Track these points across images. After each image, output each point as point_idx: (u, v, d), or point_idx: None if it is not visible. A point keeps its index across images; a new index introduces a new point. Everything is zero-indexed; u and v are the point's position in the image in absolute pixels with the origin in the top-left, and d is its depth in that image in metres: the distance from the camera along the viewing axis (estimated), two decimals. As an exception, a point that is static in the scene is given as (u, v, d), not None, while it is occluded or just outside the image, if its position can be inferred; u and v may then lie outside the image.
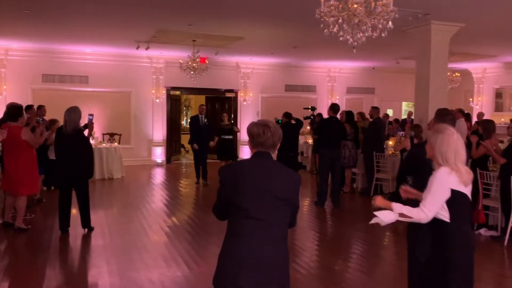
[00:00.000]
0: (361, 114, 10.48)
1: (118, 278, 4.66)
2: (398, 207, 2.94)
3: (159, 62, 13.66)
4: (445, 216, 2.82)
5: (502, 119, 14.32)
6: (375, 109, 9.79)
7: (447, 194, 2.77)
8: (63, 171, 6.14)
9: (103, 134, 12.88)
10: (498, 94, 15.71)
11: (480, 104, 15.79)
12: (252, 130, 2.49)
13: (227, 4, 7.28)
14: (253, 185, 2.40)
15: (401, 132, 10.96)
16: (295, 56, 13.54)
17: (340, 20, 4.25)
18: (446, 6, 7.10)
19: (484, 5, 7.10)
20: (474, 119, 13.04)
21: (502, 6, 7.16)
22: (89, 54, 12.87)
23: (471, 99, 16.18)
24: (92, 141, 11.52)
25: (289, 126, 8.99)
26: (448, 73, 11.97)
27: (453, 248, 2.82)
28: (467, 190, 2.83)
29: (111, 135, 12.71)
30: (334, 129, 8.26)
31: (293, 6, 7.25)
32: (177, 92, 14.42)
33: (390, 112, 16.14)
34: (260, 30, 9.43)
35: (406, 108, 17.24)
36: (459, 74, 13.46)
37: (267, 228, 2.39)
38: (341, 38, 4.50)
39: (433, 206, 2.80)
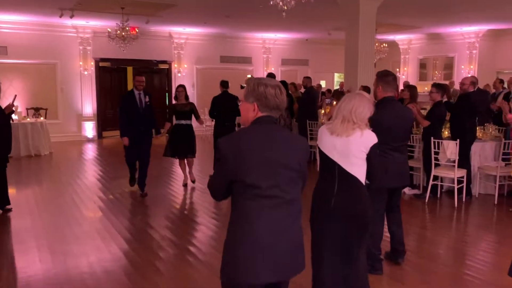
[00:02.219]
0: (294, 85, 10.66)
1: (48, 252, 4.48)
2: None
3: (86, 32, 12.95)
4: None
5: (426, 88, 15.19)
6: (307, 79, 9.99)
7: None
8: None
9: (27, 109, 12.11)
10: (422, 65, 16.62)
11: (406, 74, 16.63)
12: (267, 90, 2.09)
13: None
14: (265, 158, 2.05)
15: (327, 100, 11.35)
16: (230, 27, 13.40)
17: (269, -16, 4.23)
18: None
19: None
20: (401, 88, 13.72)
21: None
22: (7, 23, 11.90)
23: (397, 70, 16.97)
24: (15, 117, 10.86)
25: (227, 95, 8.93)
26: (376, 44, 12.46)
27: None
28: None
29: (36, 109, 11.98)
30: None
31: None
32: (107, 64, 13.79)
33: (323, 83, 16.58)
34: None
35: (338, 79, 17.77)
36: (386, 45, 14.02)
37: (285, 205, 2.10)
38: (271, 2, 4.50)
39: None
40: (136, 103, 6.44)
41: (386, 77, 3.77)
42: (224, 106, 7.94)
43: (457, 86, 12.25)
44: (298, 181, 2.17)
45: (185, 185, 7.40)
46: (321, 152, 2.96)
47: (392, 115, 3.74)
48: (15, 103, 6.15)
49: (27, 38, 12.26)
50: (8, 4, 9.84)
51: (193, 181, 7.46)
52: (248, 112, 2.13)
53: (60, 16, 10.78)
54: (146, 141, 6.66)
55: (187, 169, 7.46)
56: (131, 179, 7.15)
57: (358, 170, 2.86)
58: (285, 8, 4.47)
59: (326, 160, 2.92)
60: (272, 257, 2.07)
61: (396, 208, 4.11)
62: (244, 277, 2.06)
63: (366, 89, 8.08)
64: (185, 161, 7.38)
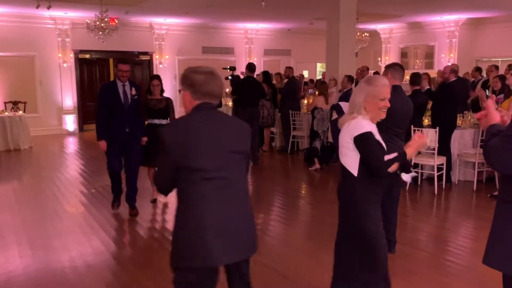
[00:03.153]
0: (279, 75, 10.63)
1: (28, 247, 4.42)
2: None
3: (64, 24, 12.69)
4: None
5: (407, 77, 15.31)
6: (290, 69, 9.99)
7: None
8: None
9: (5, 103, 11.84)
10: (404, 54, 16.74)
11: (388, 63, 16.73)
12: (196, 77, 2.14)
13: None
14: (210, 141, 2.10)
15: (310, 90, 11.37)
16: (211, 17, 13.28)
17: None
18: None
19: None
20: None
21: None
22: (-18, 14, 11.59)
23: (379, 59, 17.07)
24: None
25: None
26: (358, 33, 12.50)
27: None
28: None
29: (15, 103, 11.70)
30: (251, 88, 8.31)
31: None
32: (87, 56, 13.56)
33: (305, 73, 16.58)
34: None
35: (320, 69, 17.79)
36: (368, 34, 14.07)
37: (233, 187, 2.16)
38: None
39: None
40: (119, 97, 5.09)
41: (395, 65, 4.05)
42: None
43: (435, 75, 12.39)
44: (243, 162, 2.24)
45: (153, 200, 5.98)
46: None
47: (402, 101, 3.90)
48: None
49: (3, 30, 11.96)
50: (-18, -5, 9.57)
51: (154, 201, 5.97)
52: (185, 100, 2.21)
53: (37, 7, 10.52)
54: (133, 145, 5.22)
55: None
56: (115, 199, 5.56)
57: (350, 161, 2.75)
58: (265, -3, 4.44)
59: None
60: (227, 238, 2.09)
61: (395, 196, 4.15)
62: (200, 261, 2.07)
63: (350, 78, 8.12)
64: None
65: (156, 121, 5.67)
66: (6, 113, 10.66)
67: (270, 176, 7.87)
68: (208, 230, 2.07)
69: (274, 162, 9.15)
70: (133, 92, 5.19)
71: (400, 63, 4.26)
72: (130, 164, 5.31)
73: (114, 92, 5.11)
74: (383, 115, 2.74)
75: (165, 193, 2.25)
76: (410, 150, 2.76)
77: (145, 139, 5.37)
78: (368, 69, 9.39)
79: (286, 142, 9.75)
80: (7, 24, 12.00)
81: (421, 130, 6.29)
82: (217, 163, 2.11)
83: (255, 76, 8.87)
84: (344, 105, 5.20)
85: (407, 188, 6.51)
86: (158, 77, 5.81)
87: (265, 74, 9.85)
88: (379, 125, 3.85)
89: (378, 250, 2.76)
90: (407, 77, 7.68)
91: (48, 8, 10.56)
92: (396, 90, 3.82)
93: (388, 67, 4.07)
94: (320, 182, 7.48)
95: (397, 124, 3.83)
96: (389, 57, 16.74)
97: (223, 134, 2.15)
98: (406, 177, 3.27)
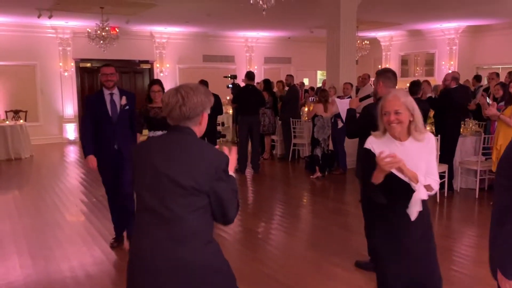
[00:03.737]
0: (281, 83, 10.62)
1: (29, 257, 4.39)
2: (423, 179, 2.47)
3: (65, 32, 12.74)
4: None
5: (407, 85, 15.35)
6: (290, 77, 10.04)
7: None
8: None
9: (6, 112, 11.86)
10: (404, 61, 16.78)
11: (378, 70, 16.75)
12: (162, 97, 2.04)
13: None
14: (151, 166, 1.91)
15: (311, 98, 11.38)
16: (211, 25, 13.33)
17: (249, -18, 4.21)
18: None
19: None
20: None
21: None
22: (-17, 24, 11.64)
23: (379, 66, 17.10)
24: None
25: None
26: (358, 41, 12.54)
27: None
28: None
29: (16, 112, 11.74)
30: (251, 96, 8.32)
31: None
32: (88, 64, 13.60)
33: (306, 81, 16.61)
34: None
35: (321, 77, 17.82)
36: (368, 42, 14.12)
37: (165, 223, 1.88)
38: (251, 1, 4.48)
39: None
40: (106, 108, 4.35)
41: (386, 73, 3.76)
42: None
43: (435, 82, 12.41)
44: (192, 198, 1.87)
45: None
46: None
47: None
48: None
49: (5, 39, 12.01)
50: (-17, 5, 9.62)
51: None
52: None
53: (38, 17, 10.58)
54: (122, 166, 4.37)
55: None
56: (118, 233, 4.75)
57: None
58: (265, 7, 4.45)
59: None
60: (152, 279, 1.90)
61: None
62: None
63: (349, 85, 8.12)
64: None
65: (160, 133, 4.38)
66: (7, 122, 10.66)
67: (271, 184, 7.85)
68: (134, 266, 1.97)
69: (275, 170, 9.13)
70: (123, 101, 4.37)
71: (391, 69, 3.96)
72: (123, 187, 4.40)
73: (100, 103, 4.36)
74: (393, 131, 2.50)
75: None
76: (376, 175, 2.41)
77: None
78: (369, 76, 9.41)
79: (287, 150, 9.73)
80: (9, 33, 12.05)
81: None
82: (155, 192, 1.89)
83: (255, 84, 8.89)
84: (339, 102, 5.08)
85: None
86: (159, 82, 5.02)
87: (266, 82, 9.86)
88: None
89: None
90: (407, 84, 7.73)
91: (50, 17, 10.61)
92: None
93: (379, 74, 3.80)
94: (321, 190, 7.45)
95: None
96: (390, 64, 16.77)
97: (167, 160, 1.90)
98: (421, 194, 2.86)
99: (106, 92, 4.40)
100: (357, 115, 4.05)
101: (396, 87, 3.89)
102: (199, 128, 2.00)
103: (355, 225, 5.20)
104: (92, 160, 4.38)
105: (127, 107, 4.44)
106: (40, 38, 12.53)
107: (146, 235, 1.92)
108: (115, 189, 4.51)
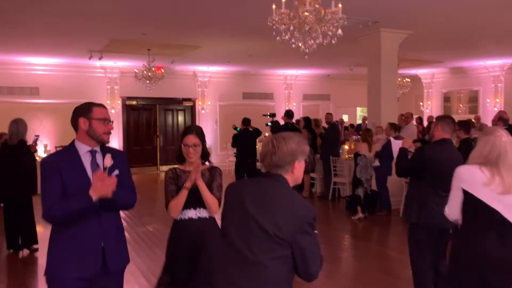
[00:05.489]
0: (315, 121, 10.66)
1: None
2: None
3: (114, 72, 13.40)
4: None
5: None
6: (330, 115, 10.07)
7: (460, 194, 2.60)
8: (4, 187, 5.84)
9: (56, 147, 12.43)
10: (446, 98, 16.46)
11: (430, 108, 16.48)
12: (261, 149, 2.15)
13: (180, 14, 7.26)
14: (242, 207, 2.00)
15: (354, 136, 11.28)
16: (252, 64, 13.66)
17: (291, 28, 4.34)
18: (394, 14, 7.39)
19: (429, 13, 7.44)
20: (425, 122, 13.61)
21: (446, 14, 7.53)
22: (40, 65, 12.42)
23: (421, 103, 16.85)
24: (44, 154, 11.15)
25: (248, 132, 9.03)
26: (399, 79, 12.46)
27: (454, 260, 2.64)
28: (501, 200, 2.46)
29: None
30: (291, 135, 8.35)
31: (248, 16, 7.32)
32: (134, 102, 14.18)
33: (345, 117, 16.57)
34: (216, 39, 9.46)
35: (361, 113, 17.73)
36: (409, 80, 14.00)
37: (247, 265, 1.94)
38: (293, 46, 4.60)
39: (449, 205, 2.71)
40: (86, 176, 2.51)
41: (446, 119, 3.85)
42: (244, 143, 8.08)
43: (482, 121, 12.06)
44: (276, 247, 1.91)
45: None
46: (470, 195, 2.57)
47: (452, 156, 3.66)
48: (37, 143, 6.35)
49: (57, 79, 12.75)
50: (41, 48, 10.31)
51: None
52: None
53: (90, 58, 11.22)
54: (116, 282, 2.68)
55: None
56: None
57: None
58: (307, 51, 4.55)
59: (481, 207, 2.53)
60: None
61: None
62: None
63: (393, 126, 8.01)
64: None
65: (192, 214, 3.04)
66: (57, 157, 11.16)
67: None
68: None
69: (315, 209, 8.99)
70: (108, 162, 2.48)
71: (451, 116, 4.03)
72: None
73: (75, 167, 2.50)
74: None
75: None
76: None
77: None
78: (412, 115, 9.30)
79: (326, 189, 9.62)
80: (61, 73, 12.79)
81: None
82: (242, 234, 1.96)
83: (294, 121, 8.96)
84: (394, 142, 5.05)
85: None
86: (196, 130, 3.15)
87: (306, 120, 9.91)
88: (425, 186, 3.73)
89: None
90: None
91: (100, 58, 11.24)
92: (445, 144, 3.74)
93: (439, 119, 3.93)
94: (363, 232, 7.24)
95: (445, 185, 3.19)
96: (431, 101, 16.51)
97: (258, 207, 1.96)
98: None
99: (84, 149, 2.57)
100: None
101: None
102: (292, 176, 2.06)
103: (399, 271, 5.02)
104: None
105: (115, 173, 2.49)
106: (90, 78, 13.22)
107: (224, 271, 2.01)
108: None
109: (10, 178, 5.74)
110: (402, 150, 4.07)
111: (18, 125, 5.76)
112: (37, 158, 9.66)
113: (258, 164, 12.32)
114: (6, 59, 11.70)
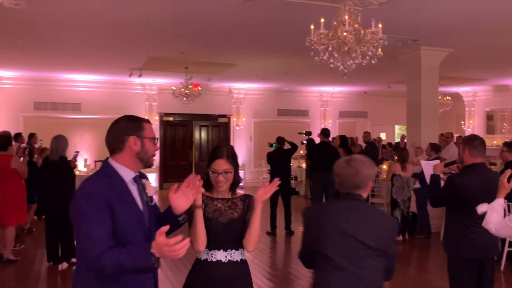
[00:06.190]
0: (352, 140, 10.48)
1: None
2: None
3: (152, 89, 13.71)
4: None
5: (494, 142, 14.42)
6: (368, 134, 9.88)
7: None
8: (45, 201, 6.02)
9: (96, 161, 12.77)
10: (489, 117, 15.86)
11: (472, 127, 15.92)
12: (334, 167, 2.32)
13: (218, 33, 7.36)
14: (336, 228, 2.17)
15: (392, 156, 11.01)
16: (287, 81, 13.66)
17: (330, 48, 4.29)
18: (434, 32, 7.22)
19: (471, 32, 7.23)
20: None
21: (489, 32, 7.29)
22: (82, 82, 12.88)
23: (462, 122, 16.31)
24: (84, 169, 11.48)
25: (282, 151, 8.95)
26: (439, 97, 12.10)
27: None
28: None
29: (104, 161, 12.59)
30: (326, 153, 8.25)
31: (285, 34, 7.33)
32: (170, 118, 14.44)
33: (383, 135, 16.23)
34: (252, 57, 9.53)
35: (399, 131, 17.33)
36: (450, 98, 13.60)
37: (356, 281, 2.13)
38: (331, 66, 4.54)
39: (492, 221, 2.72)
40: (139, 210, 2.08)
41: (473, 141, 3.56)
42: (278, 161, 8.05)
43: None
44: (376, 259, 2.15)
45: None
46: None
47: (483, 182, 3.40)
48: (77, 159, 6.53)
49: (98, 95, 13.16)
50: (83, 65, 10.70)
51: None
52: None
53: (130, 75, 11.55)
54: None
55: None
56: None
57: None
58: (346, 71, 4.49)
59: None
60: None
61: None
62: None
63: (434, 146, 7.75)
64: None
65: (222, 257, 2.44)
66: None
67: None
68: None
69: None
70: (151, 191, 2.23)
71: (479, 136, 3.70)
72: None
73: (126, 200, 2.05)
74: None
75: (307, 267, 2.39)
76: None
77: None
78: (452, 135, 9.00)
79: (363, 209, 9.37)
80: (102, 90, 13.20)
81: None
82: (343, 254, 2.13)
83: (330, 139, 8.84)
84: (425, 164, 4.85)
85: (502, 268, 5.87)
86: (227, 152, 2.46)
87: (342, 138, 9.75)
88: (461, 216, 3.50)
89: None
90: (493, 142, 7.14)
91: (139, 76, 11.54)
92: (476, 170, 3.50)
93: (465, 142, 3.61)
94: (401, 256, 6.93)
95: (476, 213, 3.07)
96: (473, 120, 15.95)
97: (355, 224, 2.17)
98: None
99: (129, 176, 2.11)
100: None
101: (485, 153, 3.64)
102: (365, 194, 2.32)
103: (441, 300, 4.78)
104: None
105: (153, 202, 2.24)
106: (129, 94, 13.58)
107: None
108: None
109: (52, 192, 5.90)
110: (434, 178, 3.77)
111: (59, 142, 5.94)
112: (76, 172, 9.99)
113: (292, 182, 12.25)
114: (50, 76, 12.20)
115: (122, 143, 2.08)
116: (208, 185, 2.49)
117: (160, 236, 1.84)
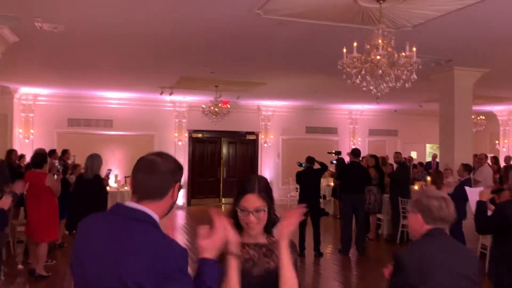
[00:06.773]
0: (382, 159, 10.27)
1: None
2: None
3: (182, 106, 13.91)
4: None
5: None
6: (399, 154, 9.71)
7: None
8: (77, 217, 6.11)
9: (126, 177, 12.97)
10: (526, 136, 15.34)
11: (507, 147, 15.41)
12: (430, 203, 2.26)
13: (248, 53, 7.41)
14: (448, 271, 2.17)
15: (424, 176, 10.73)
16: (316, 99, 13.61)
17: (363, 72, 4.24)
18: (468, 53, 7.07)
19: (506, 50, 7.03)
20: (502, 162, 12.70)
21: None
22: (114, 99, 13.19)
23: (497, 142, 15.81)
24: (114, 185, 11.67)
25: (311, 171, 8.86)
26: (473, 116, 11.79)
27: None
28: None
29: (134, 178, 12.77)
30: (356, 174, 8.12)
31: (315, 55, 7.33)
32: (199, 135, 14.59)
33: (414, 154, 15.88)
34: (281, 77, 9.56)
35: (430, 150, 16.93)
36: (484, 117, 13.23)
37: None
38: (364, 89, 4.49)
39: None
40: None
41: None
42: (308, 182, 7.98)
43: None
44: None
45: None
46: None
47: None
48: (109, 176, 6.64)
49: (130, 112, 13.44)
50: (116, 84, 10.98)
51: None
52: (415, 222, 2.31)
53: (161, 94, 11.76)
54: None
55: None
56: None
57: None
58: (379, 94, 4.43)
59: None
60: None
61: None
62: None
63: (466, 167, 7.53)
64: None
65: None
66: (126, 187, 11.61)
67: (377, 269, 7.31)
68: None
69: (382, 252, 8.58)
70: None
71: None
72: None
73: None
74: None
75: None
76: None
77: None
78: (486, 156, 8.72)
79: (394, 231, 9.15)
80: (133, 107, 13.48)
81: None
82: None
83: (361, 159, 8.71)
84: (469, 191, 4.74)
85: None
86: (259, 186, 2.02)
87: (373, 158, 9.58)
88: (504, 241, 3.39)
89: None
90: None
91: (170, 94, 11.74)
92: None
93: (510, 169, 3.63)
94: None
95: None
96: (508, 140, 15.44)
97: (458, 261, 2.21)
98: None
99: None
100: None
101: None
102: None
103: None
104: None
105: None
106: (160, 111, 13.81)
107: None
108: None
109: (86, 209, 6.00)
110: (480, 205, 3.69)
111: (94, 161, 6.06)
112: (107, 188, 10.16)
113: (321, 201, 12.07)
114: (83, 93, 12.56)
115: (168, 189, 1.75)
116: (236, 227, 1.93)
117: (201, 241, 1.72)
